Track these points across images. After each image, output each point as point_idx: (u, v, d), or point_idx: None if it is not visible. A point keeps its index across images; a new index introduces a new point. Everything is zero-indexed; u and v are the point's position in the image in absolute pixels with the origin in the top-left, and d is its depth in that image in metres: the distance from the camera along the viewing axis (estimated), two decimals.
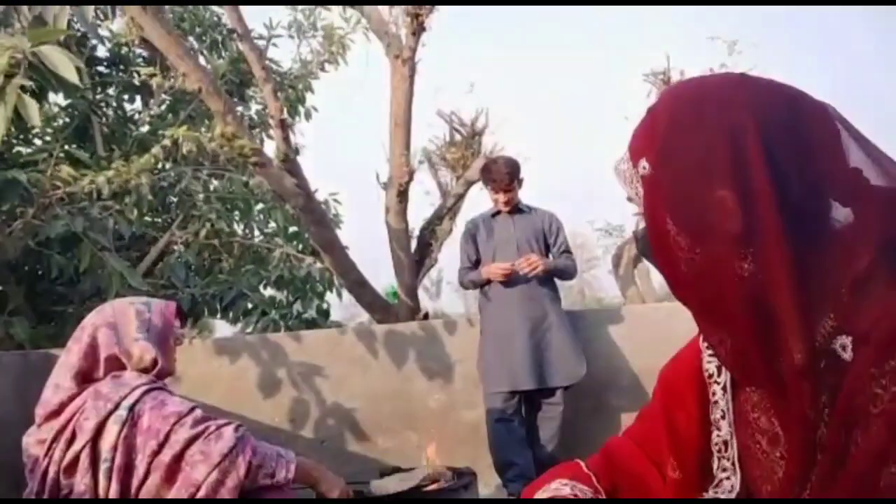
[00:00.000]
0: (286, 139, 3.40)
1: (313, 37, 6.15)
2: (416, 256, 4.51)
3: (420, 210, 4.91)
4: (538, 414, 3.22)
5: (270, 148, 4.00)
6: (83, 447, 1.55)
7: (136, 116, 5.55)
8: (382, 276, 4.88)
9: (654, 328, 3.49)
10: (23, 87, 2.15)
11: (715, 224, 0.70)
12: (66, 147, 4.24)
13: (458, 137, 5.84)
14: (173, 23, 4.03)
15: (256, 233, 5.72)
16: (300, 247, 5.41)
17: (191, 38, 5.63)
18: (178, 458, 1.56)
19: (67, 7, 2.32)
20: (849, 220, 0.70)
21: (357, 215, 6.31)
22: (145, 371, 1.71)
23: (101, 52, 5.31)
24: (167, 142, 3.39)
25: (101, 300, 2.80)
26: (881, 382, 0.64)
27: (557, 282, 3.40)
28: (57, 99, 4.95)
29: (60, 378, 1.68)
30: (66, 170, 3.37)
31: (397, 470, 2.46)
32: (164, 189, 4.61)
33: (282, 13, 6.61)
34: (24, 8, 2.38)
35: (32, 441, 1.65)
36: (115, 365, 1.70)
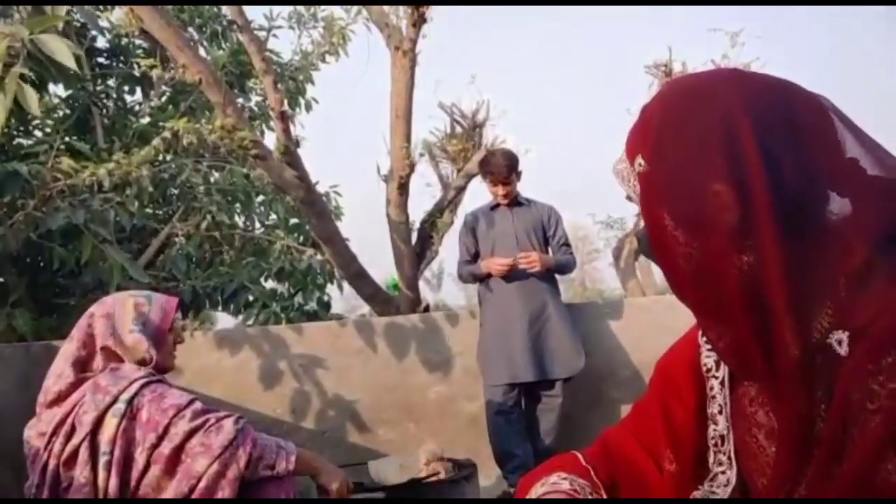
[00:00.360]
0: (286, 131, 3.39)
1: (314, 28, 6.12)
2: (416, 248, 4.51)
3: (421, 202, 4.90)
4: (538, 406, 3.23)
5: (271, 140, 3.99)
6: (82, 440, 1.56)
7: (137, 108, 5.53)
8: (383, 269, 4.88)
9: (655, 320, 3.49)
10: (22, 77, 2.15)
11: (711, 218, 0.69)
12: (67, 139, 4.22)
13: (458, 129, 5.81)
14: (173, 14, 4.01)
15: (257, 225, 5.71)
16: (301, 239, 5.41)
17: (190, 30, 5.59)
18: (179, 450, 1.56)
19: None
20: (846, 211, 0.69)
21: (358, 207, 6.31)
22: (143, 364, 1.72)
23: (101, 42, 5.29)
24: (167, 133, 3.37)
25: (103, 292, 2.80)
26: (878, 379, 0.64)
27: (557, 275, 3.40)
28: (57, 90, 4.95)
29: (60, 366, 1.70)
30: (66, 162, 3.37)
31: None
32: (165, 181, 4.60)
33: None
34: None
35: (34, 434, 1.66)
36: (112, 356, 1.71)
